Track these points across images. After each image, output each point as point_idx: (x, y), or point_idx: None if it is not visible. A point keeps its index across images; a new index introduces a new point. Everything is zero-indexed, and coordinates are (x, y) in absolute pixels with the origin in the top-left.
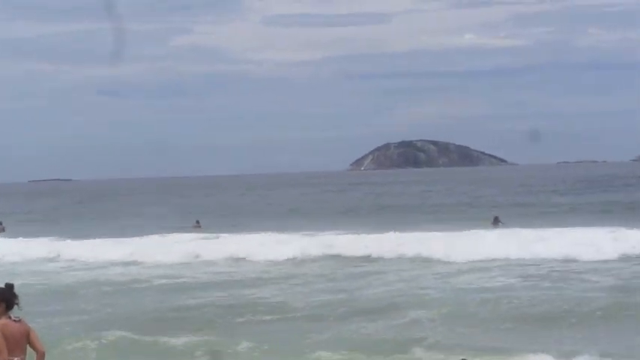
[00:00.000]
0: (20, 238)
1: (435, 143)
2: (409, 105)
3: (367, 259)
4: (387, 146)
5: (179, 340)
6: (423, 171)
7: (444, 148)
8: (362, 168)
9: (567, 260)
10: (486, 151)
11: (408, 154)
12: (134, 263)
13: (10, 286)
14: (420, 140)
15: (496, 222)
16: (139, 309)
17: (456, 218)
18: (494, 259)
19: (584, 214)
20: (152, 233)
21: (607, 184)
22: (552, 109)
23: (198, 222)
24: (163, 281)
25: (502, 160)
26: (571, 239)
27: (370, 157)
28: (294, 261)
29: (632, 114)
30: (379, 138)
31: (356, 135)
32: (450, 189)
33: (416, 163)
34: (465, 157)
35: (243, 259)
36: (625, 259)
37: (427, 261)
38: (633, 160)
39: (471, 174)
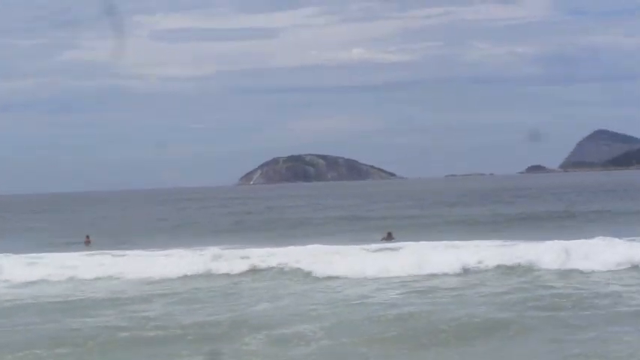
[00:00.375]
0: None
1: (324, 157)
2: (298, 119)
3: (253, 273)
4: (275, 160)
5: None
6: (312, 185)
7: (333, 162)
8: (251, 182)
9: (459, 274)
10: (375, 165)
11: (297, 169)
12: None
13: None
14: (309, 154)
15: (389, 237)
16: None
17: (346, 231)
18: (385, 274)
19: (475, 226)
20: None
21: (495, 196)
22: (441, 123)
23: (88, 237)
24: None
25: (391, 174)
26: (464, 252)
27: (259, 171)
28: (179, 277)
29: (520, 127)
30: (268, 152)
31: (245, 150)
32: (339, 203)
33: (305, 177)
34: (354, 170)
35: (122, 276)
36: (508, 272)
37: (312, 276)
38: (521, 173)
39: (360, 187)
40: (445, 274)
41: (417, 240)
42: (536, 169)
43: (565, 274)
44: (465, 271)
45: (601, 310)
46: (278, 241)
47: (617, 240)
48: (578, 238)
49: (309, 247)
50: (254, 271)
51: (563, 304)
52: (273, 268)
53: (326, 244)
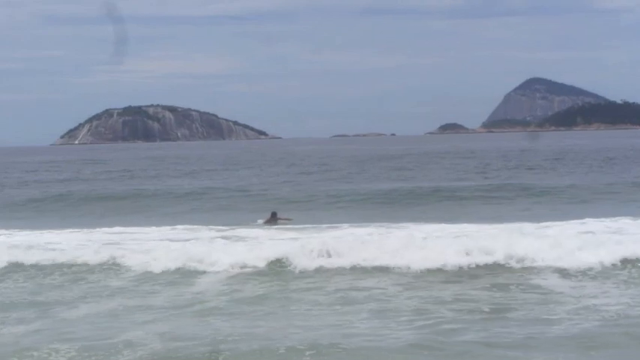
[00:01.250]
0: None
1: (172, 110)
2: (138, 59)
3: (72, 267)
4: (108, 113)
5: None
6: (155, 145)
7: (184, 116)
8: (76, 142)
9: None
10: (240, 121)
11: (137, 124)
12: None
13: None
14: (153, 106)
15: (273, 219)
16: None
17: (200, 210)
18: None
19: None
20: None
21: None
22: (325, 67)
23: None
24: None
25: (261, 133)
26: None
27: (87, 127)
28: None
29: (426, 74)
30: (98, 103)
31: (67, 99)
32: (195, 170)
33: (147, 136)
34: (212, 127)
35: None
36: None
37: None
38: (430, 134)
39: (218, 148)
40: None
41: (318, 222)
42: (451, 128)
43: None
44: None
45: None
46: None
47: None
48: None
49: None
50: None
51: None
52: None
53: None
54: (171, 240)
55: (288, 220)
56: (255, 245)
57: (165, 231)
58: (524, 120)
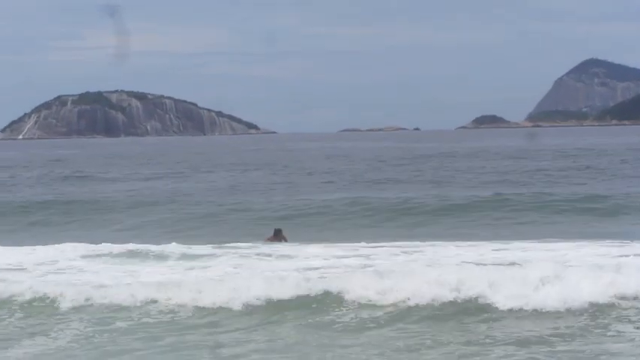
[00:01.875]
0: None
1: (140, 97)
2: (99, 31)
3: None
4: (61, 101)
5: None
6: (117, 141)
7: (155, 104)
8: (20, 136)
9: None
10: (225, 111)
11: (96, 115)
12: None
13: None
14: (117, 92)
15: (277, 237)
16: None
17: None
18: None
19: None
20: None
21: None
22: (337, 43)
23: None
24: None
25: (251, 126)
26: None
27: (33, 118)
28: None
29: (468, 54)
30: (48, 88)
31: (7, 84)
32: (181, 172)
33: (109, 129)
34: (190, 119)
35: None
36: None
37: None
38: (462, 128)
39: (197, 147)
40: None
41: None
42: (488, 121)
43: None
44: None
45: None
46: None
47: None
48: None
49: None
50: None
51: None
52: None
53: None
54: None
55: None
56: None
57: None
58: (580, 111)
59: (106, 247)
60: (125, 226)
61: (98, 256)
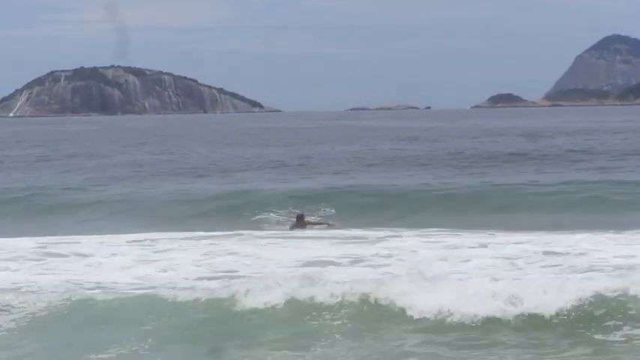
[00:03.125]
0: None
1: (138, 73)
2: (91, 6)
3: None
4: (53, 77)
5: None
6: (114, 119)
7: (154, 81)
8: (10, 114)
9: None
10: (227, 88)
11: (92, 91)
12: None
13: None
14: (113, 67)
15: (300, 224)
16: None
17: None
18: None
19: None
20: None
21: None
22: (348, 18)
23: None
24: None
25: (254, 104)
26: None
27: (25, 95)
28: None
29: (482, 29)
30: (41, 63)
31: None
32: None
33: (105, 107)
34: (191, 96)
35: None
36: None
37: None
38: (476, 107)
39: (202, 125)
40: None
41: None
42: (504, 100)
43: None
44: None
45: None
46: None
47: None
48: None
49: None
50: None
51: None
52: None
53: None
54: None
55: (329, 226)
56: None
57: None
58: (601, 90)
59: None
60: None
61: None
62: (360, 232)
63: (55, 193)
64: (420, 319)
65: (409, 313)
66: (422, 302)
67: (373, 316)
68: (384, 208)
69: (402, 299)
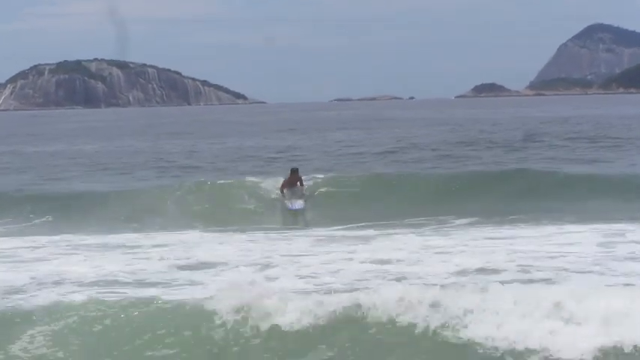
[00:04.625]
0: None
1: (121, 66)
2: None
3: None
4: (37, 71)
5: None
6: (98, 112)
7: (137, 73)
8: None
9: None
10: (210, 80)
11: (75, 84)
12: None
13: None
14: (97, 60)
15: (295, 176)
16: None
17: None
18: None
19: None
20: None
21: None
22: (337, 10)
23: None
24: None
25: (238, 96)
26: None
27: (9, 88)
28: None
29: (463, 20)
30: (25, 56)
31: None
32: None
33: (89, 100)
34: (174, 88)
35: None
36: None
37: None
38: (460, 97)
39: (187, 116)
40: None
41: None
42: (487, 89)
43: None
44: None
45: None
46: None
47: None
48: None
49: None
50: None
51: None
52: None
53: None
54: None
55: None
56: None
57: None
58: (584, 79)
59: None
60: None
61: None
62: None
63: None
64: None
65: None
66: None
67: None
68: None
69: None
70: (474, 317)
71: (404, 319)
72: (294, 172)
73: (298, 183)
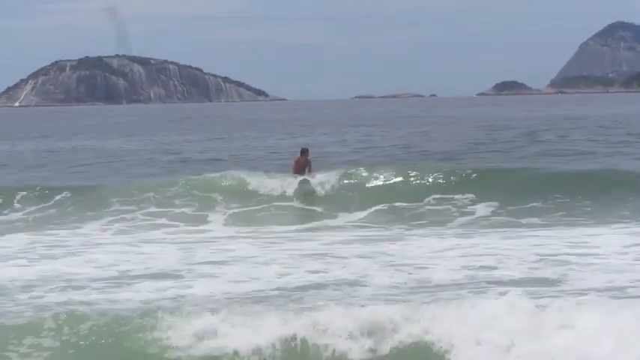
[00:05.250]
0: None
1: (143, 62)
2: None
3: None
4: (59, 67)
5: None
6: (120, 109)
7: (158, 70)
8: (16, 103)
9: None
10: (232, 77)
11: (96, 81)
12: None
13: None
14: (118, 56)
15: (305, 156)
16: None
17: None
18: None
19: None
20: None
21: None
22: (350, 9)
23: None
24: None
25: (259, 93)
26: None
27: (30, 84)
28: None
29: (481, 19)
30: (46, 53)
31: (3, 49)
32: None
33: (110, 96)
34: (195, 85)
35: None
36: None
37: None
38: (481, 95)
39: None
40: None
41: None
42: (509, 87)
43: None
44: None
45: None
46: None
47: None
48: None
49: None
50: None
51: None
52: None
53: None
54: None
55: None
56: None
57: None
58: (606, 77)
59: None
60: None
61: None
62: None
63: None
64: None
65: None
66: None
67: None
68: None
69: None
70: None
71: None
72: (304, 152)
73: (307, 169)
